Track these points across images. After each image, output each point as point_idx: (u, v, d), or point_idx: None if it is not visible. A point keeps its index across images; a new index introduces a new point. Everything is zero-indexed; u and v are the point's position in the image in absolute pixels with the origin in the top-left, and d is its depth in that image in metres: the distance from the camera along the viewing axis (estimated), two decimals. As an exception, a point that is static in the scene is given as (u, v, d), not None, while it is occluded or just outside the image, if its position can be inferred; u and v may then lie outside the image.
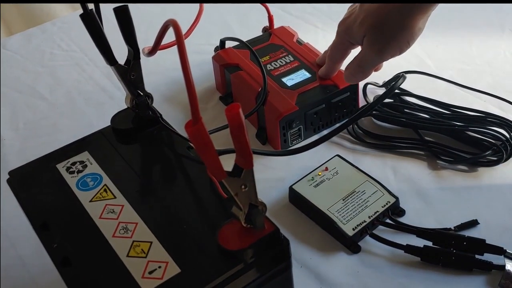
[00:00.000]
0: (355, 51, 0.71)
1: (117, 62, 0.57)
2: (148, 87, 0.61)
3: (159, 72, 0.92)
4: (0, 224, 0.70)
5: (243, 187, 0.43)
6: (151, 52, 0.57)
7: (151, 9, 1.09)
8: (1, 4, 1.46)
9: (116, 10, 0.56)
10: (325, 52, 0.79)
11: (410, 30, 0.63)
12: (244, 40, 0.83)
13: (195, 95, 0.39)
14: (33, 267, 0.65)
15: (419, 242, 0.61)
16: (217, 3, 1.06)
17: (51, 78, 0.96)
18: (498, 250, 0.60)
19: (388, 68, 0.85)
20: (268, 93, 0.75)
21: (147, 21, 0.95)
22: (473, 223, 0.64)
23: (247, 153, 0.41)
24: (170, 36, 0.53)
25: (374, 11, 0.64)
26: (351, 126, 0.77)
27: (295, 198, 0.68)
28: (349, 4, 0.73)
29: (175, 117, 0.82)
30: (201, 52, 0.91)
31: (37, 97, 0.92)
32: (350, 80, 0.74)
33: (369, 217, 0.64)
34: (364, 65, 0.69)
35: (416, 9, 0.62)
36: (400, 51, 0.66)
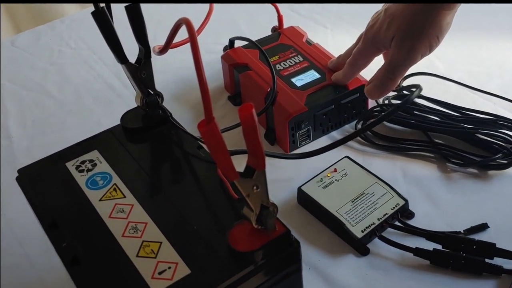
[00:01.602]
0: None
1: (128, 60, 0.57)
2: (157, 86, 0.60)
3: (168, 71, 0.91)
4: (6, 222, 0.70)
5: (255, 188, 0.43)
6: (162, 50, 0.57)
7: (159, 8, 1.09)
8: (10, 2, 1.46)
9: (127, 8, 0.56)
10: (339, 57, 0.78)
11: (438, 25, 0.63)
12: (253, 39, 0.83)
13: (208, 95, 0.39)
14: (40, 266, 0.65)
15: (429, 245, 0.61)
16: (227, 3, 1.06)
17: (59, 76, 0.96)
18: (509, 254, 0.59)
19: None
20: (277, 93, 0.75)
21: (155, 20, 0.94)
22: (483, 227, 0.64)
23: (260, 154, 0.41)
24: (179, 35, 0.53)
25: (400, 13, 0.64)
26: (361, 126, 0.76)
27: (304, 199, 0.68)
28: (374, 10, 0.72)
29: (184, 116, 0.81)
30: (210, 51, 0.91)
31: (46, 95, 0.92)
32: (376, 92, 0.69)
33: (378, 219, 0.64)
34: (394, 69, 0.66)
35: (442, 5, 0.62)
36: (430, 47, 0.64)
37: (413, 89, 0.68)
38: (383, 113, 0.76)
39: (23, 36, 1.08)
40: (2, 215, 0.71)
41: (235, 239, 0.45)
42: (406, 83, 0.83)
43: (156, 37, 0.57)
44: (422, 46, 0.64)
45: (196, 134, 0.51)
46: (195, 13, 0.77)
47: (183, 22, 0.40)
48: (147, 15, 0.59)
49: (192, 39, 0.37)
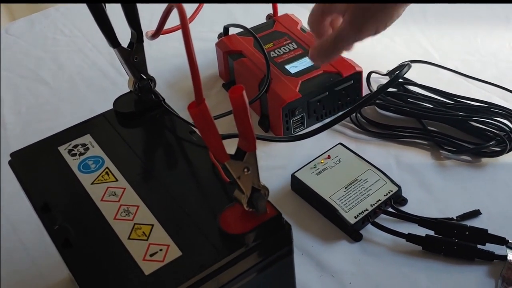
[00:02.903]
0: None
1: (120, 44, 0.57)
2: (151, 74, 0.60)
3: (163, 59, 0.91)
4: (1, 208, 0.70)
5: (245, 170, 0.43)
6: (154, 35, 0.57)
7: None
8: (10, 2, 1.45)
9: (119, -8, 0.55)
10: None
11: (390, 14, 0.63)
12: (248, 27, 0.83)
13: (198, 76, 0.39)
14: (34, 251, 0.65)
15: (421, 231, 0.61)
16: (225, 3, 1.05)
17: (53, 63, 0.96)
18: (500, 240, 0.60)
19: (393, 57, 0.85)
20: (271, 80, 0.75)
21: (150, 8, 0.94)
22: (476, 213, 0.64)
23: (250, 135, 0.41)
24: (173, 22, 0.52)
25: None
26: (354, 114, 0.76)
27: (297, 186, 0.68)
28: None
29: (178, 103, 0.80)
30: (205, 39, 0.90)
31: (40, 82, 0.92)
32: (318, 59, 0.67)
33: (371, 205, 0.64)
34: (340, 42, 0.64)
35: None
36: (376, 31, 0.65)
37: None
38: (372, 92, 0.76)
39: (18, 24, 1.08)
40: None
41: (226, 222, 0.45)
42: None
43: (151, 25, 0.57)
44: (370, 28, 0.64)
45: (189, 119, 0.51)
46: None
47: (174, 4, 0.39)
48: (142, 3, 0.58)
49: (182, 17, 0.37)
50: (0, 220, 0.69)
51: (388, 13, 0.64)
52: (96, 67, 0.94)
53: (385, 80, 0.82)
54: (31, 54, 0.98)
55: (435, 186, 0.68)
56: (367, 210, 0.63)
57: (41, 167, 0.54)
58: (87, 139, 0.56)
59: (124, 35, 0.58)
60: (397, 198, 0.66)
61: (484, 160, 0.71)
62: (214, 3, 1.03)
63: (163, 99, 0.59)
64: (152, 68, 0.61)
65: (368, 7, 0.64)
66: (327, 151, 0.70)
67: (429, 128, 0.74)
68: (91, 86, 0.90)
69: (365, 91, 0.80)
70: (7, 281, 0.63)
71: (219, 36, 0.86)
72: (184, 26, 0.38)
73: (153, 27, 0.57)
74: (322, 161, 0.69)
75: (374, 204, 0.64)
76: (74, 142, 0.55)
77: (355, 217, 0.63)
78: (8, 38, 1.03)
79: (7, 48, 1.00)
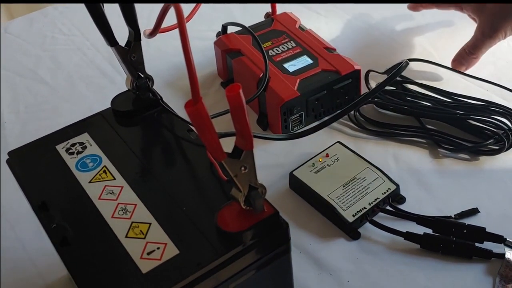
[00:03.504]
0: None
1: (118, 43, 0.57)
2: (149, 73, 0.60)
3: (161, 58, 0.91)
4: (0, 207, 0.70)
5: (242, 168, 0.43)
6: (152, 33, 0.57)
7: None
8: (10, 2, 1.45)
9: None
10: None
11: None
12: (247, 25, 0.83)
13: (195, 75, 0.39)
14: (32, 249, 0.65)
15: (419, 230, 0.61)
16: (224, 3, 1.05)
17: (52, 62, 0.96)
18: (498, 239, 0.60)
19: (391, 56, 0.85)
20: (270, 79, 0.75)
21: (148, 6, 0.94)
22: (474, 211, 0.64)
23: (247, 134, 0.41)
24: (171, 20, 0.52)
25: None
26: (353, 113, 0.76)
27: (296, 184, 0.68)
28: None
29: (176, 102, 0.80)
30: (203, 38, 0.90)
31: (38, 81, 0.92)
32: (462, 68, 0.82)
33: (369, 203, 0.64)
34: (476, 50, 0.81)
35: None
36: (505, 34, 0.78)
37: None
38: (370, 90, 0.76)
39: (16, 22, 1.08)
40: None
41: (223, 220, 0.45)
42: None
43: (150, 24, 0.57)
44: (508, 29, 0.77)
45: (187, 118, 0.51)
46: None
47: (171, 4, 0.39)
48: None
49: (179, 16, 0.37)
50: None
51: None
52: (95, 66, 0.94)
53: (383, 78, 0.81)
54: (29, 52, 0.98)
55: (433, 184, 0.68)
56: (365, 208, 0.63)
57: (39, 166, 0.54)
58: (85, 137, 0.56)
59: (121, 33, 0.58)
60: (395, 197, 0.66)
61: (482, 158, 0.71)
62: (213, 3, 1.02)
63: (161, 98, 0.59)
64: (150, 67, 0.61)
65: (505, 8, 0.75)
66: (325, 149, 0.70)
67: (428, 126, 0.74)
68: (89, 84, 0.90)
69: (363, 89, 0.79)
70: (6, 280, 0.63)
71: (218, 34, 0.86)
72: (181, 26, 0.38)
73: (151, 25, 0.57)
74: (320, 160, 0.69)
75: (372, 203, 0.64)
76: (72, 141, 0.55)
77: (353, 216, 0.63)
78: (7, 37, 1.03)
79: (5, 47, 1.00)
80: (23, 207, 0.53)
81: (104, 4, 0.55)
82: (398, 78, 0.81)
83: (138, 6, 0.57)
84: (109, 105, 0.60)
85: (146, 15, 0.84)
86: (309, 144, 0.72)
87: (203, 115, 0.39)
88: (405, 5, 0.92)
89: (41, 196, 0.50)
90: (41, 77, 0.93)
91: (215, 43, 0.85)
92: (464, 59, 0.82)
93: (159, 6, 0.49)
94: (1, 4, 1.44)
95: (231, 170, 0.42)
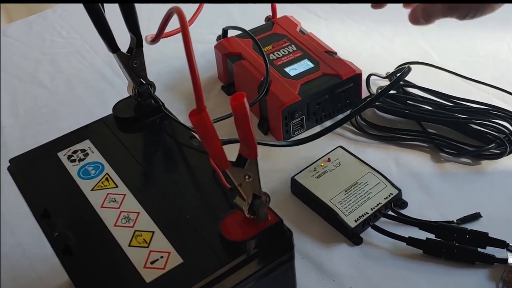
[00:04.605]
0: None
1: (120, 49, 0.57)
2: (149, 76, 0.60)
3: (161, 61, 0.91)
4: (0, 212, 0.70)
5: (246, 177, 0.42)
6: (154, 40, 0.57)
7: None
8: (10, 2, 1.44)
9: (119, -4, 0.55)
10: None
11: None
12: (247, 29, 0.82)
13: (199, 84, 0.38)
14: (32, 255, 0.65)
15: (422, 235, 0.61)
16: (223, 3, 1.05)
17: (51, 65, 0.95)
18: (501, 244, 0.60)
19: (392, 59, 0.85)
20: (271, 83, 0.75)
21: (148, 10, 0.94)
22: (476, 216, 0.64)
23: (252, 143, 0.41)
24: (172, 25, 0.52)
25: None
26: (354, 117, 0.76)
27: (297, 189, 0.68)
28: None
29: (177, 106, 0.81)
30: (204, 41, 0.90)
31: (38, 85, 0.91)
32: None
33: (371, 208, 0.64)
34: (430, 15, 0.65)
35: None
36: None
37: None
38: (373, 95, 0.76)
39: (15, 25, 1.07)
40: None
41: (227, 229, 0.45)
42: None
43: (150, 27, 0.57)
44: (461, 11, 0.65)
45: (189, 124, 0.51)
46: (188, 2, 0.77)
47: (175, 11, 0.39)
48: (140, 5, 0.58)
49: (183, 27, 0.37)
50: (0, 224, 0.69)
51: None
52: (94, 69, 0.93)
53: (384, 82, 0.82)
54: (28, 56, 0.98)
55: (435, 189, 0.68)
56: (367, 213, 0.63)
57: (40, 173, 0.53)
58: (86, 144, 0.55)
59: (123, 39, 0.58)
60: (397, 201, 0.66)
61: (484, 162, 0.70)
62: (213, 3, 1.02)
63: (163, 104, 0.59)
64: (151, 71, 0.60)
65: None
66: (327, 154, 0.70)
67: (429, 130, 0.74)
68: (89, 88, 0.90)
69: (364, 93, 0.79)
70: (7, 286, 0.63)
71: (218, 38, 0.86)
72: (184, 33, 0.37)
73: (152, 29, 0.56)
74: (322, 164, 0.69)
75: (374, 208, 0.64)
76: (73, 148, 0.55)
77: (355, 221, 0.63)
78: (6, 40, 1.02)
79: (4, 50, 0.99)
80: (23, 213, 0.52)
81: (106, 10, 0.55)
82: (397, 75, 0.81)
83: (138, 9, 0.57)
84: (108, 108, 0.59)
85: (146, 17, 0.83)
86: (310, 148, 0.71)
87: (208, 124, 0.39)
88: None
89: (43, 204, 0.50)
90: (40, 80, 0.92)
91: (215, 47, 0.84)
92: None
93: (159, 8, 0.49)
94: (0, 5, 1.43)
95: (235, 179, 0.42)
